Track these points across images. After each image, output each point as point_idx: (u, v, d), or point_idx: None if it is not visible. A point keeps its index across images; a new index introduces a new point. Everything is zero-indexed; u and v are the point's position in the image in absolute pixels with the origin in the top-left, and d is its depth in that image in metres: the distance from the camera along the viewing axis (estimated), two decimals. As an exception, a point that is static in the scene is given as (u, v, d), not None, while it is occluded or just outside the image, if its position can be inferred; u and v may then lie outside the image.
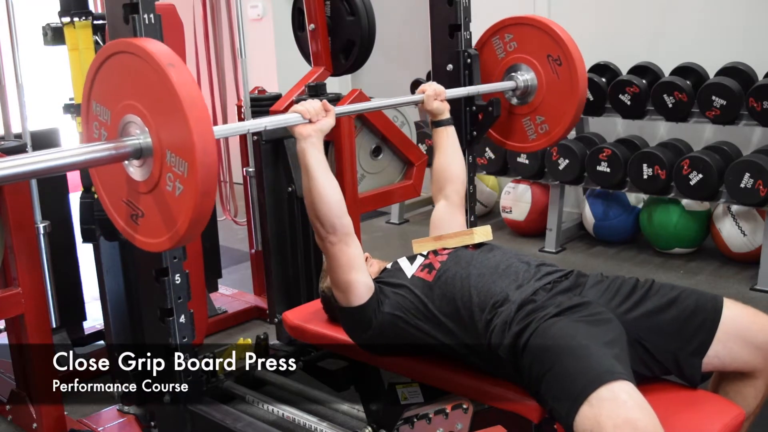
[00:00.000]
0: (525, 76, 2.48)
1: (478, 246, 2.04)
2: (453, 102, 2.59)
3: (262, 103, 3.02)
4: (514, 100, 2.54)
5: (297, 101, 2.87)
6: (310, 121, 1.85)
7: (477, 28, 2.66)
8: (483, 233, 2.06)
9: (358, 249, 1.88)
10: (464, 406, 1.86)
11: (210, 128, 1.44)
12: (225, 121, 5.05)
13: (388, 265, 2.04)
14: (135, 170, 1.57)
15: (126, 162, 1.57)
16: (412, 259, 2.00)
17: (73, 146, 1.53)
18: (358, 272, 1.87)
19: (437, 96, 2.27)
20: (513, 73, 2.51)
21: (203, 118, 1.43)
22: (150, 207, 1.57)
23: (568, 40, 2.40)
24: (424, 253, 2.02)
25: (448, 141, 2.30)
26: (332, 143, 2.90)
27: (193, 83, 1.46)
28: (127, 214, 1.64)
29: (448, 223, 2.19)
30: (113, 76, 1.57)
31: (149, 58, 1.45)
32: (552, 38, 2.40)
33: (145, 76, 1.47)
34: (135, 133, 1.54)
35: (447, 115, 2.30)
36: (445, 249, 2.02)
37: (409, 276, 1.94)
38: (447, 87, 2.59)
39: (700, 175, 3.67)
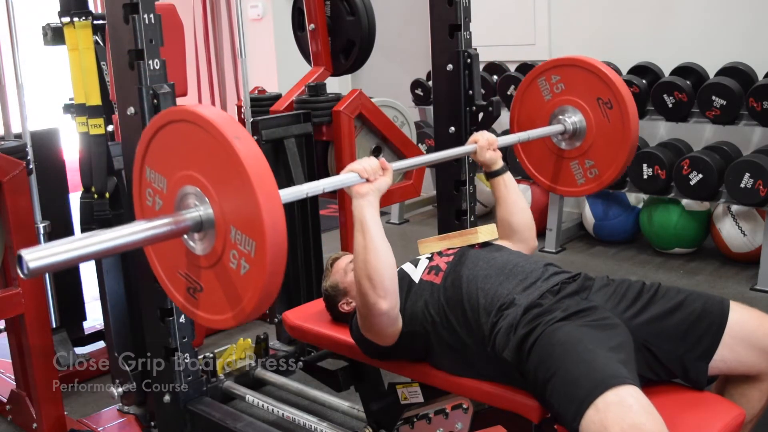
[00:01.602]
0: (573, 119, 2.37)
1: (484, 245, 2.03)
2: (453, 102, 2.59)
3: (262, 103, 3.02)
4: (563, 144, 2.43)
5: (297, 101, 2.88)
6: (368, 180, 1.80)
7: (477, 28, 2.65)
8: (488, 232, 2.05)
9: (401, 320, 1.83)
10: (464, 406, 1.85)
11: (280, 205, 1.33)
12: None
13: None
14: (195, 244, 1.46)
15: (185, 235, 1.47)
16: (415, 262, 1.99)
17: (128, 225, 1.39)
18: (396, 327, 1.83)
19: (490, 146, 2.17)
20: (560, 116, 2.39)
21: (273, 195, 1.32)
22: (211, 282, 1.46)
23: (619, 82, 2.30)
24: (429, 255, 2.01)
25: (508, 192, 2.18)
26: (332, 143, 2.90)
27: (262, 158, 1.34)
28: (185, 287, 1.54)
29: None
30: (171, 144, 1.48)
31: (213, 130, 1.35)
32: (602, 80, 2.30)
33: (208, 147, 1.37)
34: (194, 205, 1.43)
35: (501, 163, 2.20)
36: (450, 249, 2.02)
37: (417, 281, 1.92)
38: (447, 87, 2.59)
39: (700, 175, 3.67)
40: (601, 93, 2.31)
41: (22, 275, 1.23)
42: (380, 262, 1.72)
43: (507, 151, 4.36)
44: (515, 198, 2.18)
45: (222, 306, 1.44)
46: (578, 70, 2.36)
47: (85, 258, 1.33)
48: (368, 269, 1.72)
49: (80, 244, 1.31)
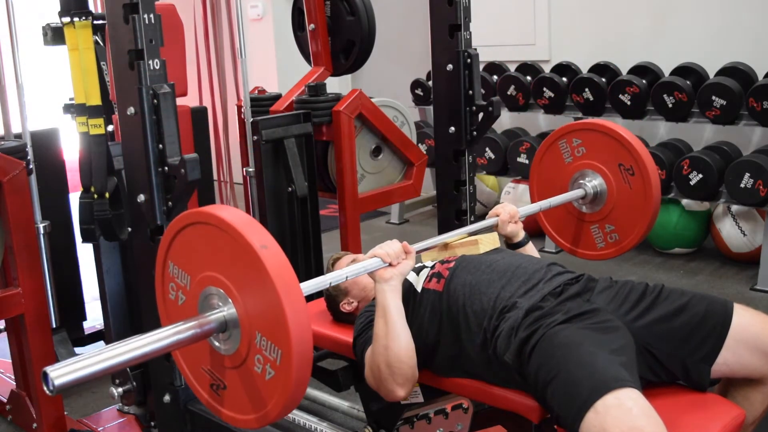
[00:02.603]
0: (593, 182, 2.36)
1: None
2: (453, 102, 2.59)
3: (262, 103, 3.02)
4: (584, 208, 2.42)
5: (297, 101, 2.88)
6: (390, 264, 1.79)
7: (477, 28, 2.65)
8: (489, 242, 2.05)
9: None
10: (464, 406, 1.85)
11: (307, 317, 1.32)
12: (225, 121, 5.05)
13: None
14: (219, 343, 1.46)
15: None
16: (417, 270, 1.99)
17: (153, 333, 1.39)
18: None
19: (512, 219, 2.18)
20: (581, 180, 2.39)
21: (300, 307, 1.31)
22: (235, 382, 1.46)
23: (641, 149, 2.29)
24: (431, 263, 2.01)
25: None
26: (332, 143, 2.90)
27: (289, 267, 1.34)
28: (208, 383, 1.53)
29: None
30: (195, 243, 1.47)
31: (240, 238, 1.34)
32: (624, 147, 2.29)
33: (234, 252, 1.36)
34: (218, 306, 1.42)
35: (522, 234, 2.21)
36: (451, 256, 2.02)
37: (419, 290, 1.92)
38: (447, 87, 2.59)
39: (700, 175, 3.67)
40: (623, 159, 2.31)
41: (48, 392, 1.24)
42: (401, 350, 1.74)
43: (507, 152, 4.37)
44: None
45: (246, 408, 1.45)
46: (600, 135, 2.35)
47: (113, 369, 1.33)
48: (388, 356, 1.73)
49: (106, 356, 1.31)
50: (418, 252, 1.89)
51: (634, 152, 2.29)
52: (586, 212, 2.43)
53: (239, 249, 1.35)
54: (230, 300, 1.40)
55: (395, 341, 1.73)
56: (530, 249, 2.22)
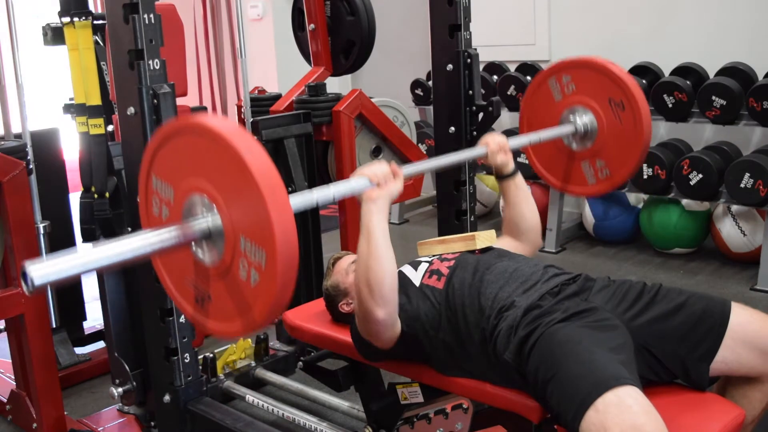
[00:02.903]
0: (584, 119, 2.33)
1: (484, 250, 2.03)
2: (453, 102, 2.59)
3: (262, 103, 3.02)
4: (574, 145, 2.39)
5: (297, 101, 2.88)
6: (378, 185, 1.76)
7: (477, 28, 2.65)
8: (486, 238, 2.05)
9: (399, 323, 1.82)
10: (464, 406, 1.85)
11: (291, 216, 1.30)
12: (225, 121, 5.06)
13: None
14: (203, 254, 1.43)
15: (193, 245, 1.44)
16: (415, 265, 1.99)
17: (135, 236, 1.36)
18: (394, 332, 1.82)
19: (501, 149, 2.14)
20: (571, 117, 2.36)
21: (284, 206, 1.29)
22: (220, 292, 1.43)
23: (632, 84, 2.26)
24: (429, 258, 2.01)
25: (518, 194, 2.16)
26: (332, 143, 2.90)
27: (272, 169, 1.33)
28: (193, 297, 1.51)
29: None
30: (178, 154, 1.45)
31: (222, 141, 1.32)
32: (614, 82, 2.27)
33: (218, 158, 1.35)
34: (202, 214, 1.40)
35: (512, 166, 2.17)
36: (450, 254, 2.02)
37: (417, 284, 1.92)
38: (447, 87, 2.59)
39: (700, 175, 3.67)
40: (612, 94, 2.28)
41: (26, 290, 1.20)
42: (381, 271, 1.71)
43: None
44: (525, 200, 2.16)
45: (232, 316, 1.42)
46: (590, 71, 2.33)
47: (92, 270, 1.31)
48: (368, 276, 1.71)
49: (86, 256, 1.28)
50: (406, 180, 1.87)
51: (623, 86, 2.27)
52: (577, 149, 2.40)
53: (223, 154, 1.33)
54: (214, 206, 1.38)
55: (376, 261, 1.71)
56: (520, 181, 2.18)
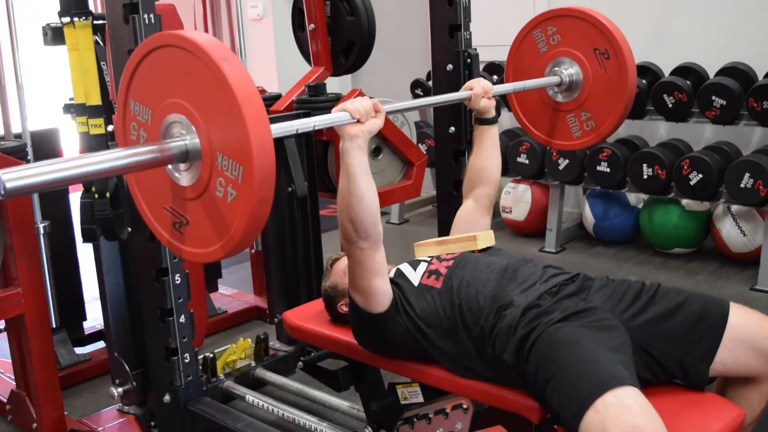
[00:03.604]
0: (569, 70, 2.32)
1: (483, 250, 2.03)
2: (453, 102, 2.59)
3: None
4: (559, 97, 2.39)
5: (297, 101, 2.88)
6: (359, 121, 1.77)
7: (477, 28, 2.65)
8: (486, 238, 2.05)
9: (384, 256, 1.84)
10: (464, 406, 1.85)
11: (268, 128, 1.29)
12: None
13: (391, 273, 1.99)
14: (180, 175, 1.42)
15: (170, 166, 1.42)
16: (414, 264, 1.99)
17: (111, 151, 1.35)
18: (382, 278, 1.84)
19: (485, 93, 2.17)
20: (556, 68, 2.35)
21: (261, 118, 1.27)
22: (197, 214, 1.42)
23: (616, 32, 2.24)
24: (428, 259, 2.01)
25: (489, 141, 2.20)
26: (332, 143, 2.90)
27: (250, 80, 1.29)
28: (170, 223, 1.48)
29: (472, 225, 2.14)
30: (156, 72, 1.41)
31: (199, 52, 1.29)
32: (599, 30, 2.25)
33: (194, 71, 1.32)
34: (180, 134, 1.38)
35: (493, 113, 2.19)
36: (448, 254, 2.01)
37: (416, 284, 1.92)
38: (446, 88, 2.59)
39: (700, 175, 3.67)
40: (598, 43, 2.27)
41: None
42: (362, 208, 1.74)
43: (507, 152, 4.37)
44: (495, 150, 2.22)
45: (210, 238, 1.41)
46: (575, 20, 2.32)
47: (66, 181, 1.29)
48: (350, 213, 1.74)
49: (61, 166, 1.27)
50: (388, 114, 1.88)
51: (609, 35, 2.26)
52: (562, 101, 2.40)
53: (200, 66, 1.31)
54: (192, 126, 1.37)
55: (356, 198, 1.73)
56: (494, 131, 2.21)
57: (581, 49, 2.31)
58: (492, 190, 2.21)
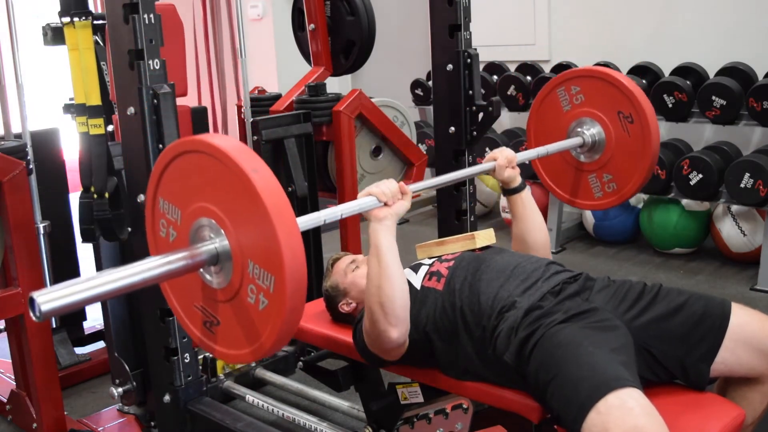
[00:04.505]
0: (592, 131, 2.31)
1: (484, 248, 2.03)
2: (453, 102, 2.59)
3: (262, 103, 3.02)
4: (581, 157, 2.38)
5: (297, 101, 2.88)
6: (386, 204, 1.76)
7: (477, 28, 2.65)
8: (485, 237, 2.05)
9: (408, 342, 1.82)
10: (464, 406, 1.85)
11: (299, 239, 1.28)
12: (225, 122, 5.05)
13: None
14: (211, 277, 1.42)
15: (201, 268, 1.43)
16: (415, 268, 1.98)
17: (143, 262, 1.34)
18: (401, 351, 1.82)
19: (509, 163, 2.13)
20: (579, 128, 2.35)
21: (292, 229, 1.28)
22: (228, 317, 1.42)
23: (641, 97, 2.24)
24: (429, 261, 2.01)
25: (525, 209, 2.14)
26: (332, 143, 2.90)
27: (280, 190, 1.30)
28: (201, 321, 1.49)
29: None
30: (185, 175, 1.43)
31: (229, 162, 1.30)
32: (624, 94, 2.24)
33: (224, 179, 1.33)
34: (210, 237, 1.39)
35: (519, 180, 2.16)
36: (449, 254, 2.01)
37: (418, 287, 1.91)
38: (447, 87, 2.59)
39: (700, 175, 3.67)
40: (622, 107, 2.26)
41: (34, 318, 1.20)
42: (394, 290, 1.71)
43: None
44: (533, 215, 2.14)
45: (240, 341, 1.41)
46: (600, 82, 2.30)
47: (101, 297, 1.29)
48: (381, 296, 1.71)
49: (94, 283, 1.27)
50: (414, 195, 1.86)
51: (633, 99, 2.24)
52: (584, 161, 2.38)
53: (230, 175, 1.31)
54: (222, 230, 1.36)
55: (388, 281, 1.71)
56: (527, 196, 2.16)
57: (605, 111, 2.30)
58: (543, 252, 2.13)
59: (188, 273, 1.40)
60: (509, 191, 2.16)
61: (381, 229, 1.75)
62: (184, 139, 1.44)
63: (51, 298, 1.20)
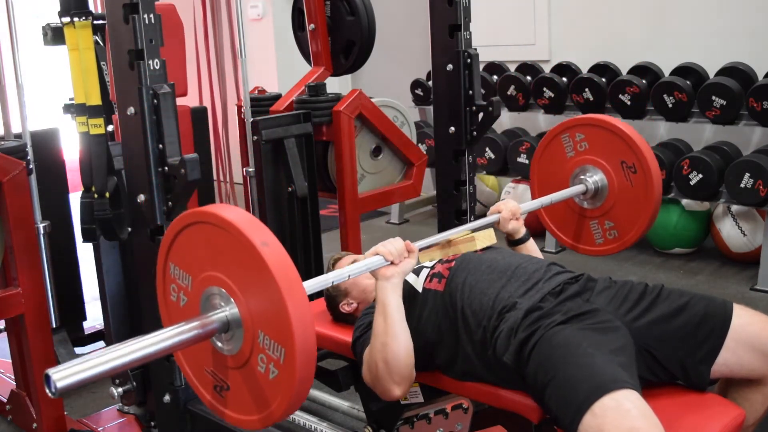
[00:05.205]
0: (594, 178, 2.35)
1: (485, 249, 2.03)
2: (453, 102, 2.59)
3: (262, 103, 3.02)
4: (585, 204, 2.42)
5: (297, 101, 2.88)
6: (392, 263, 1.78)
7: (477, 28, 2.65)
8: (486, 238, 2.05)
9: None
10: (464, 406, 1.85)
11: (310, 313, 1.32)
12: (225, 121, 5.05)
13: None
14: (222, 344, 1.45)
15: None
16: (417, 271, 1.98)
17: (155, 334, 1.37)
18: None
19: (513, 215, 2.17)
20: (582, 175, 2.39)
21: (302, 303, 1.31)
22: (238, 383, 1.45)
23: (644, 147, 2.27)
24: (430, 263, 2.01)
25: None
26: (332, 143, 2.90)
27: (290, 264, 1.34)
28: (211, 385, 1.52)
29: None
30: (196, 244, 1.46)
31: (240, 236, 1.33)
32: (627, 144, 2.28)
33: (235, 251, 1.36)
34: (220, 306, 1.42)
35: (524, 231, 2.20)
36: (451, 255, 2.01)
37: (420, 290, 1.92)
38: (447, 87, 2.59)
39: (700, 175, 3.67)
40: (625, 156, 2.30)
41: (50, 394, 1.22)
42: (399, 348, 1.73)
43: (507, 152, 4.36)
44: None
45: (250, 408, 1.43)
46: (603, 131, 2.34)
47: (115, 370, 1.31)
48: (386, 353, 1.73)
49: (108, 358, 1.29)
50: (420, 250, 1.89)
51: (637, 150, 2.28)
52: (587, 207, 2.42)
53: (240, 247, 1.34)
54: (232, 300, 1.39)
55: (394, 339, 1.73)
56: (531, 246, 2.21)
57: (608, 159, 2.34)
58: None
59: (201, 341, 1.43)
60: (514, 242, 2.20)
61: (388, 287, 1.77)
62: (194, 210, 1.47)
63: (66, 374, 1.23)
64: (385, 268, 1.78)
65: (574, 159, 2.40)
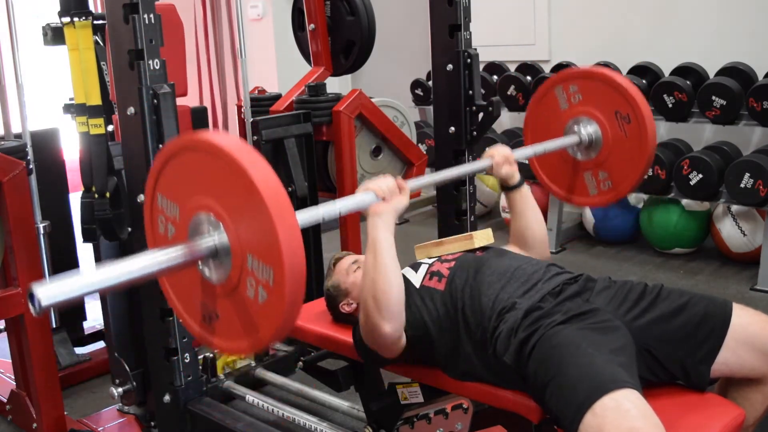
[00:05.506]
0: (588, 129, 2.32)
1: (484, 249, 2.03)
2: (453, 102, 2.59)
3: (262, 103, 3.02)
4: (578, 155, 2.39)
5: (297, 101, 2.88)
6: (384, 200, 1.75)
7: (477, 28, 2.65)
8: (483, 237, 2.04)
9: (404, 338, 1.82)
10: (464, 406, 1.85)
11: (298, 233, 1.29)
12: (225, 122, 5.05)
13: None
14: (210, 272, 1.42)
15: (200, 263, 1.43)
16: (415, 267, 1.98)
17: (141, 255, 1.35)
18: (399, 347, 1.83)
19: (506, 160, 2.13)
20: (576, 127, 2.34)
21: (291, 223, 1.28)
22: (227, 311, 1.42)
23: (639, 98, 2.26)
24: (429, 261, 2.01)
25: (525, 206, 2.14)
26: (332, 143, 2.90)
27: (278, 184, 1.30)
28: (200, 315, 1.50)
29: None
30: (184, 172, 1.44)
31: (228, 159, 1.31)
32: (621, 95, 2.27)
33: (223, 175, 1.33)
34: (208, 232, 1.39)
35: (518, 177, 2.15)
36: (449, 254, 2.01)
37: (417, 286, 1.91)
38: (447, 87, 2.59)
39: (700, 175, 3.67)
40: (620, 107, 2.28)
41: (33, 312, 1.20)
42: (388, 285, 1.72)
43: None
44: (532, 211, 2.15)
45: (238, 334, 1.41)
46: (598, 82, 2.32)
47: (102, 290, 1.31)
48: (375, 290, 1.72)
49: (93, 278, 1.28)
50: (413, 195, 1.86)
51: (631, 100, 2.26)
52: (581, 159, 2.39)
53: (228, 171, 1.31)
54: (221, 224, 1.37)
55: (382, 275, 1.71)
56: (526, 192, 2.16)
57: (602, 111, 2.31)
58: (542, 249, 2.14)
59: (187, 267, 1.41)
60: (508, 188, 2.16)
61: (378, 223, 1.75)
62: (183, 137, 1.45)
63: (51, 292, 1.21)
64: (377, 204, 1.75)
65: (568, 111, 2.37)
